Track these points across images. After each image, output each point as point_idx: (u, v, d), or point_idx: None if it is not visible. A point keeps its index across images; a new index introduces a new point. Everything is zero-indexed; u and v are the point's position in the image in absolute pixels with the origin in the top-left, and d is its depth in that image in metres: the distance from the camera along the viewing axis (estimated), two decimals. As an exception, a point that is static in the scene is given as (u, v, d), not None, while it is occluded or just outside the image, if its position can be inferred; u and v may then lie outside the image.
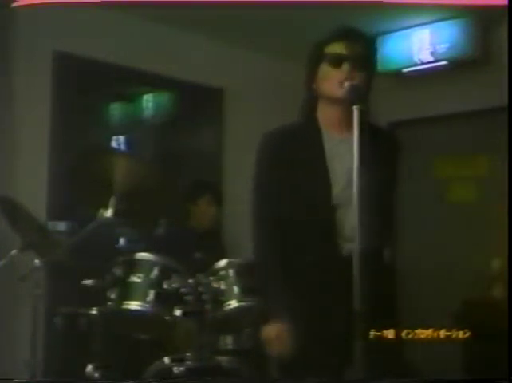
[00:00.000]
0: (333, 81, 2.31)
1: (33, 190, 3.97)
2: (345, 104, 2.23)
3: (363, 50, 2.35)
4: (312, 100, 2.41)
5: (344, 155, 2.25)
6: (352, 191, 2.10)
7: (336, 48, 2.34)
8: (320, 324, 2.26)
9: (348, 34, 2.37)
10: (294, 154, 2.36)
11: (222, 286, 2.80)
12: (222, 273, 2.83)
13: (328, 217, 2.31)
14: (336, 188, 2.31)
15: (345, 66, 2.30)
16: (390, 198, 2.43)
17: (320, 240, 2.31)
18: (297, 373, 2.30)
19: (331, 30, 2.41)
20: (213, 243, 4.04)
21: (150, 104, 5.44)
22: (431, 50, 4.84)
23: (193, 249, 3.74)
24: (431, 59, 4.85)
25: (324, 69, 2.35)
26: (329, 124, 2.38)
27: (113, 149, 4.67)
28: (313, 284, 2.29)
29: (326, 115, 2.39)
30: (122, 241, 4.66)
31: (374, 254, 2.26)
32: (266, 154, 2.41)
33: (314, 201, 2.33)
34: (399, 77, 5.01)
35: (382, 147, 2.34)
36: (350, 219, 2.15)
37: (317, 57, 2.37)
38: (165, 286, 2.77)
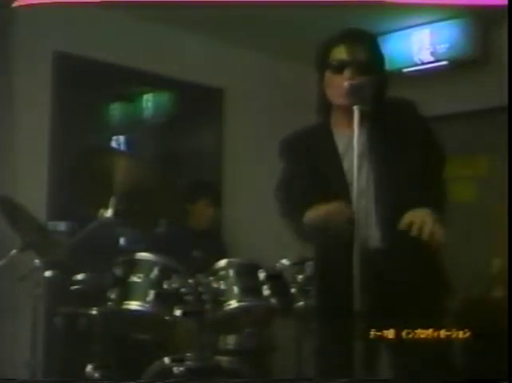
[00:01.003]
0: (336, 87, 2.32)
1: (33, 190, 3.97)
2: (348, 105, 2.23)
3: (364, 53, 2.35)
4: (324, 105, 2.43)
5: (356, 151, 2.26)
6: (355, 185, 2.12)
7: (338, 54, 2.35)
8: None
9: (349, 38, 2.38)
10: (307, 154, 2.40)
11: (222, 286, 2.80)
12: (222, 273, 2.83)
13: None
14: (351, 184, 2.31)
15: (347, 72, 2.31)
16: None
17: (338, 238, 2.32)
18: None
19: (332, 34, 2.41)
20: (212, 243, 4.04)
21: (150, 104, 5.44)
22: (431, 50, 4.84)
23: (192, 249, 3.74)
24: (431, 59, 4.85)
25: (328, 75, 2.37)
26: (341, 125, 2.39)
27: (113, 149, 4.67)
28: (330, 281, 2.33)
29: (338, 118, 2.41)
30: (122, 241, 4.66)
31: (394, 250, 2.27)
32: (282, 158, 2.48)
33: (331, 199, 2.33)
34: (399, 77, 5.01)
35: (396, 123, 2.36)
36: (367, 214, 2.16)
37: (321, 65, 2.40)
38: (165, 286, 2.77)
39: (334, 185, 2.35)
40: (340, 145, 2.38)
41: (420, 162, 2.35)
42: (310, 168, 2.40)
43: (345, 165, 2.35)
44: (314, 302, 2.54)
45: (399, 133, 2.37)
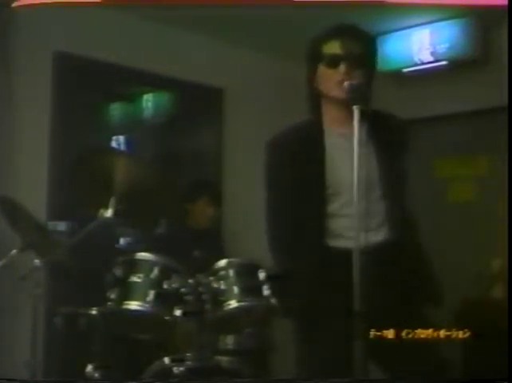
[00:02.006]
0: (331, 82, 2.33)
1: (33, 190, 3.97)
2: (345, 103, 2.24)
3: (360, 49, 2.35)
4: (314, 97, 2.43)
5: (347, 150, 2.25)
6: (356, 185, 2.12)
7: (333, 47, 2.35)
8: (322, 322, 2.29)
9: (345, 32, 2.38)
10: (296, 153, 2.39)
11: (222, 286, 2.79)
12: (222, 273, 2.83)
13: (328, 213, 2.35)
14: (338, 183, 2.33)
15: (342, 66, 2.32)
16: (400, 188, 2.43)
17: (320, 236, 2.36)
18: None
19: (328, 28, 2.41)
20: (212, 243, 4.04)
21: (150, 104, 5.44)
22: (431, 50, 4.84)
23: (192, 248, 3.74)
24: (431, 59, 4.85)
25: (322, 69, 2.37)
26: (332, 120, 2.40)
27: (113, 149, 4.67)
28: (312, 282, 2.36)
29: (329, 112, 2.41)
30: (122, 241, 4.66)
31: (376, 249, 2.27)
32: (271, 155, 2.51)
33: (314, 201, 2.35)
34: (399, 77, 5.01)
35: (388, 134, 2.38)
36: (353, 213, 2.17)
37: (314, 57, 2.39)
38: (165, 286, 2.77)
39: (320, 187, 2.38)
40: (330, 144, 2.40)
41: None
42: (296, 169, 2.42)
43: (333, 165, 2.36)
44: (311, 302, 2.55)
45: (392, 133, 2.40)
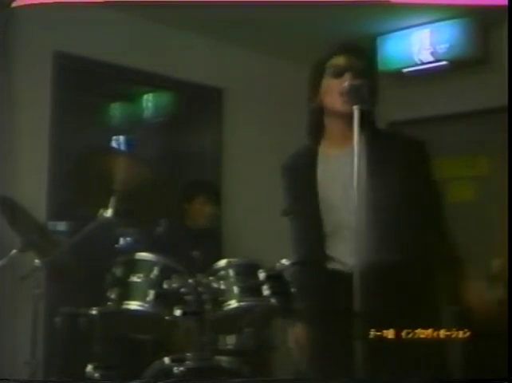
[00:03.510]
0: (335, 92, 2.34)
1: (33, 190, 3.97)
2: (348, 116, 2.22)
3: (363, 62, 2.40)
4: (317, 115, 2.45)
5: (343, 170, 2.27)
6: (351, 208, 2.13)
7: (337, 60, 2.41)
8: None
9: (348, 49, 2.43)
10: (294, 177, 2.52)
11: (222, 286, 2.79)
12: (222, 273, 2.83)
13: (321, 240, 2.42)
14: (331, 207, 2.37)
15: (346, 76, 2.34)
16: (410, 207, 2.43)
17: (315, 262, 2.46)
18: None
19: (330, 47, 2.46)
20: (211, 242, 4.04)
21: (150, 104, 5.44)
22: (431, 50, 4.84)
23: (191, 248, 3.74)
24: (431, 59, 4.86)
25: (327, 81, 2.41)
26: (333, 138, 2.42)
27: (113, 149, 4.67)
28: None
29: (332, 129, 2.42)
30: (122, 241, 4.66)
31: (376, 271, 2.27)
32: (281, 176, 2.58)
33: (308, 222, 2.41)
34: (399, 77, 5.01)
35: (396, 151, 2.37)
36: (349, 239, 2.18)
37: (318, 73, 2.43)
38: (165, 286, 2.77)
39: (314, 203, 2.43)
40: (328, 168, 2.42)
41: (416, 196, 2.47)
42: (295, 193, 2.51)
43: (326, 187, 2.41)
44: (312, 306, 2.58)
45: (396, 161, 2.40)
